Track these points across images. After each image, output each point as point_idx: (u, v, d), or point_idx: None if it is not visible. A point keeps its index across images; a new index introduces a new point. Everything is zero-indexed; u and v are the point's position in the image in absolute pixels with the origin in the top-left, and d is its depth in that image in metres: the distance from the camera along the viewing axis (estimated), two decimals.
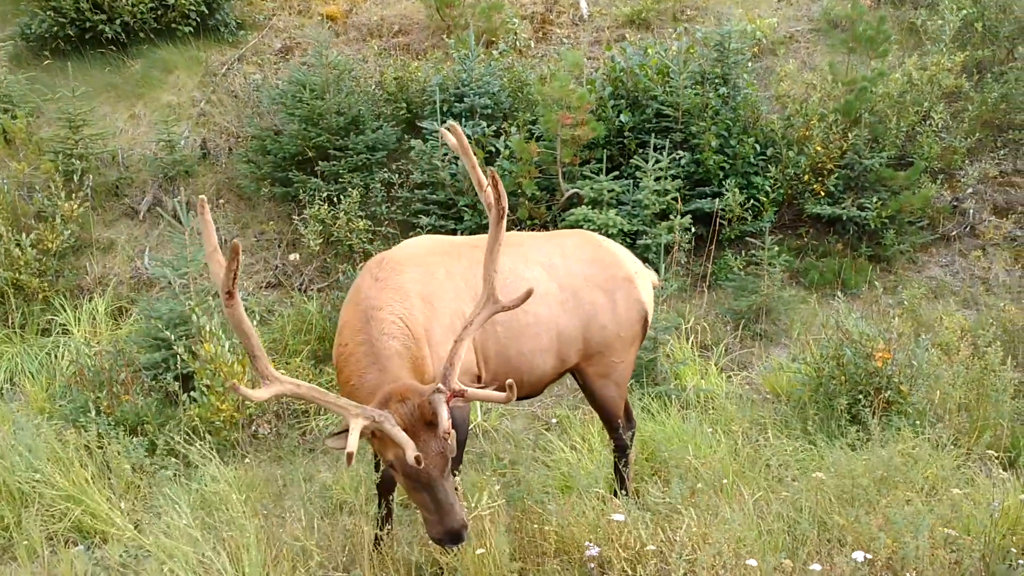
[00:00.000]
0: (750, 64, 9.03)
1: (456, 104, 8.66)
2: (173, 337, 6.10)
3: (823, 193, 8.31)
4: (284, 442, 6.25)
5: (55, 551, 4.82)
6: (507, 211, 3.88)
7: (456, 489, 4.30)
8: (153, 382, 6.46)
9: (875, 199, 8.08)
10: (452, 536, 3.69)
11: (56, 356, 7.42)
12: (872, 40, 8.61)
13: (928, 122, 8.65)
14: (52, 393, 6.88)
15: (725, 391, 6.65)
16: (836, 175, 8.29)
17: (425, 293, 4.26)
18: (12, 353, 7.48)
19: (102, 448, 5.55)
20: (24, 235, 7.93)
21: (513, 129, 8.47)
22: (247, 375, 6.06)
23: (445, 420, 3.60)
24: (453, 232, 8.10)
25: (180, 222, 6.90)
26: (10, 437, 5.73)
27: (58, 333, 7.75)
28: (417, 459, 3.49)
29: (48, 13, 9.89)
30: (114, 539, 4.98)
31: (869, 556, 3.91)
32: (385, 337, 4.04)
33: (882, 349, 5.75)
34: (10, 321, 7.77)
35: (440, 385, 3.67)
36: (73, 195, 8.48)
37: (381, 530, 4.52)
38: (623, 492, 4.88)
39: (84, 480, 5.25)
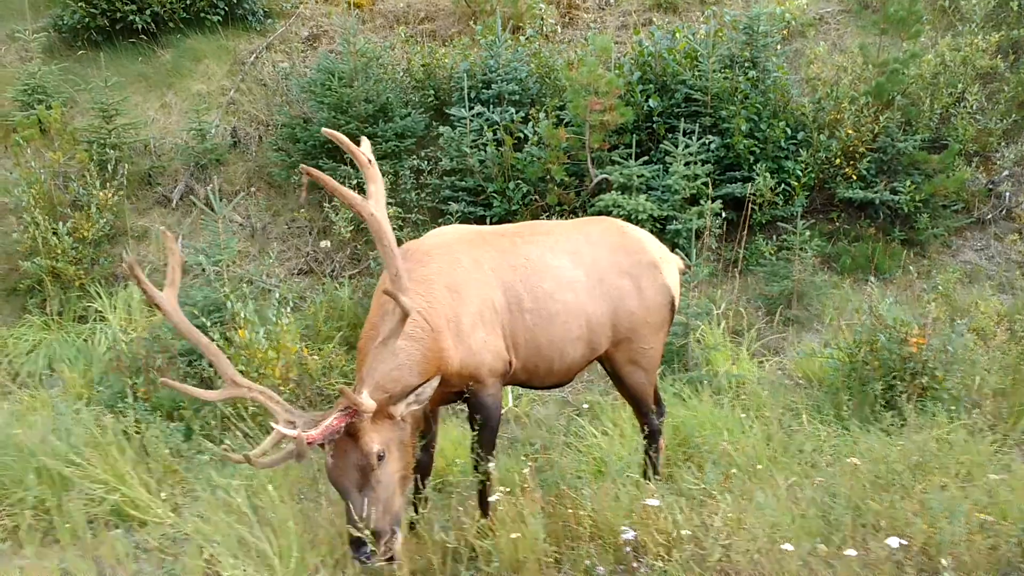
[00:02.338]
0: (779, 47, 8.94)
1: (484, 90, 8.65)
2: (208, 323, 6.17)
3: (855, 177, 8.23)
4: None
5: (96, 534, 4.91)
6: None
7: (487, 480, 4.36)
8: (188, 368, 6.54)
9: (908, 182, 7.99)
10: (352, 546, 3.75)
11: (93, 343, 7.54)
12: (904, 21, 8.49)
13: (962, 104, 8.53)
14: (90, 379, 6.99)
15: (757, 376, 6.63)
16: (868, 158, 8.20)
17: (451, 283, 4.29)
18: (50, 340, 7.61)
19: (140, 433, 5.64)
20: (60, 224, 8.06)
21: (541, 115, 8.45)
22: (281, 360, 6.12)
23: (322, 427, 3.65)
24: (482, 219, 8.12)
25: (212, 210, 6.97)
26: (50, 422, 5.85)
27: (94, 320, 7.86)
28: (297, 455, 3.60)
29: (80, 4, 10.02)
30: (153, 523, 5.06)
31: (904, 542, 3.89)
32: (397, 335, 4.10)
33: (917, 334, 5.70)
34: (48, 308, 7.91)
35: (349, 392, 3.71)
36: (107, 184, 8.59)
37: (416, 514, 4.56)
38: (655, 477, 4.89)
39: (123, 465, 5.34)
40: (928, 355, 5.66)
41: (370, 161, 3.98)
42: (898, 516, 4.13)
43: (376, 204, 3.93)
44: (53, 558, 4.64)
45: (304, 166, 3.69)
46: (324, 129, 3.81)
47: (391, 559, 3.82)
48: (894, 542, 3.82)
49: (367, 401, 3.74)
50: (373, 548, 3.74)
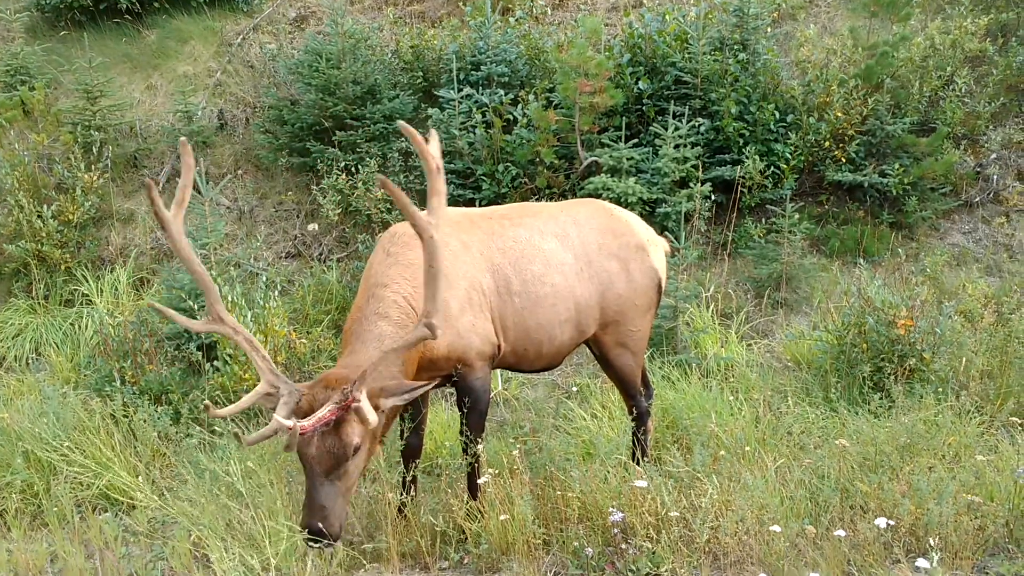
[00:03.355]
0: (769, 30, 8.90)
1: (473, 72, 8.59)
2: (195, 307, 6.14)
3: (844, 160, 8.23)
4: None
5: (84, 518, 4.91)
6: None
7: (476, 463, 4.35)
8: (176, 352, 6.52)
9: (897, 165, 7.99)
10: (308, 529, 3.74)
11: (80, 327, 7.50)
12: (894, 4, 8.47)
13: (951, 87, 8.52)
14: (77, 363, 6.96)
15: (746, 359, 6.65)
16: (857, 141, 8.20)
17: None
18: (36, 324, 7.56)
19: (128, 417, 5.62)
20: (45, 207, 7.97)
21: (531, 97, 8.40)
22: (269, 344, 6.10)
23: (314, 418, 3.65)
24: (471, 201, 8.08)
25: (199, 193, 6.92)
26: (38, 406, 5.82)
27: (81, 304, 7.81)
28: (287, 446, 3.62)
29: None
30: (141, 506, 5.05)
31: (892, 522, 3.92)
32: (376, 317, 4.10)
33: (905, 316, 5.72)
34: (34, 292, 7.84)
35: (347, 388, 3.71)
36: (92, 166, 8.50)
37: (405, 497, 4.57)
38: (644, 460, 4.90)
39: (111, 448, 5.32)
40: (916, 337, 5.69)
41: (438, 168, 3.78)
42: (886, 497, 4.16)
43: (436, 223, 3.76)
44: (42, 542, 4.64)
45: (380, 177, 3.56)
46: (400, 123, 3.62)
47: (330, 544, 3.79)
48: (882, 523, 3.85)
49: (374, 417, 3.73)
50: (323, 537, 3.72)
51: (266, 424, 3.85)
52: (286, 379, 3.88)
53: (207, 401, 3.74)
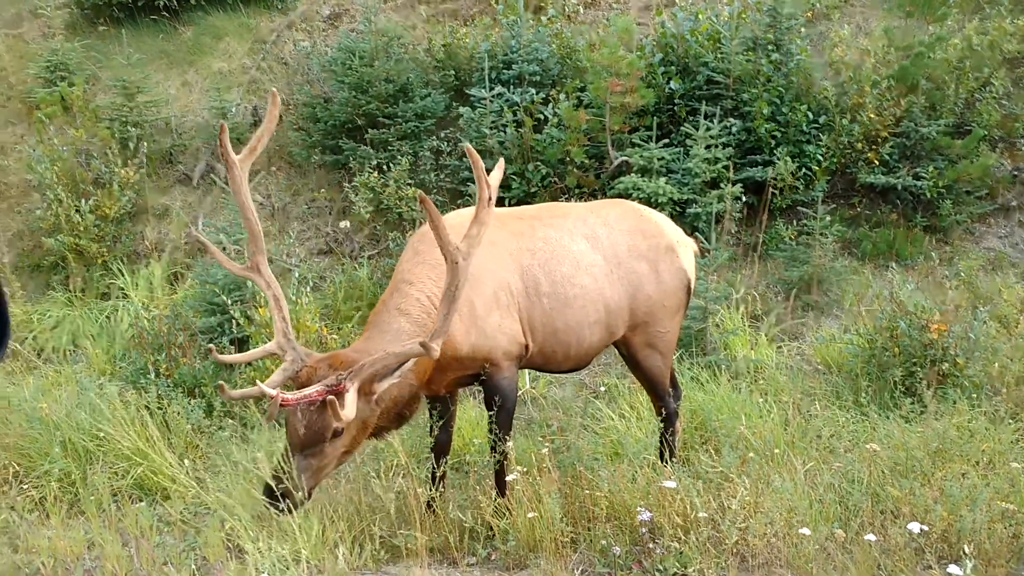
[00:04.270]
0: (803, 30, 8.84)
1: (504, 71, 8.62)
2: (229, 301, 6.22)
3: (877, 162, 8.15)
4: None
5: (120, 506, 4.99)
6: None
7: (504, 460, 4.37)
8: (209, 345, 6.60)
9: (931, 168, 7.90)
10: (267, 495, 3.87)
11: (116, 320, 7.63)
12: (930, 4, 8.38)
13: (988, 88, 8.40)
14: (113, 355, 7.08)
15: (775, 362, 6.61)
16: (891, 143, 8.12)
17: None
18: (74, 316, 7.70)
19: (162, 409, 5.71)
20: (83, 201, 8.12)
21: (562, 96, 8.41)
22: (300, 339, 6.16)
23: (299, 394, 3.71)
24: (501, 200, 8.11)
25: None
26: (75, 397, 5.94)
27: (117, 297, 7.95)
28: (268, 415, 3.78)
29: None
30: (175, 496, 5.14)
31: (925, 528, 3.89)
32: (397, 312, 4.15)
33: (938, 321, 5.67)
34: (71, 285, 7.99)
35: (343, 374, 3.75)
36: (129, 162, 8.64)
37: (433, 492, 4.60)
38: (672, 460, 4.90)
39: (145, 439, 5.41)
40: (949, 342, 5.63)
41: (490, 200, 3.81)
42: (918, 503, 4.13)
43: (467, 252, 3.82)
44: (79, 529, 4.73)
45: (421, 194, 3.64)
46: (465, 145, 3.69)
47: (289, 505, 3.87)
48: (915, 528, 3.82)
49: (348, 413, 3.75)
50: (281, 498, 3.82)
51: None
52: (296, 345, 3.95)
53: (221, 383, 3.81)
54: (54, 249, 8.11)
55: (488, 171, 3.97)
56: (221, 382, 3.84)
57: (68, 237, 7.99)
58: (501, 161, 4.02)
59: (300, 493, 3.81)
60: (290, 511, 3.84)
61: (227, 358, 4.03)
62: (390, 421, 4.21)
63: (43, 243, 8.25)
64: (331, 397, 3.63)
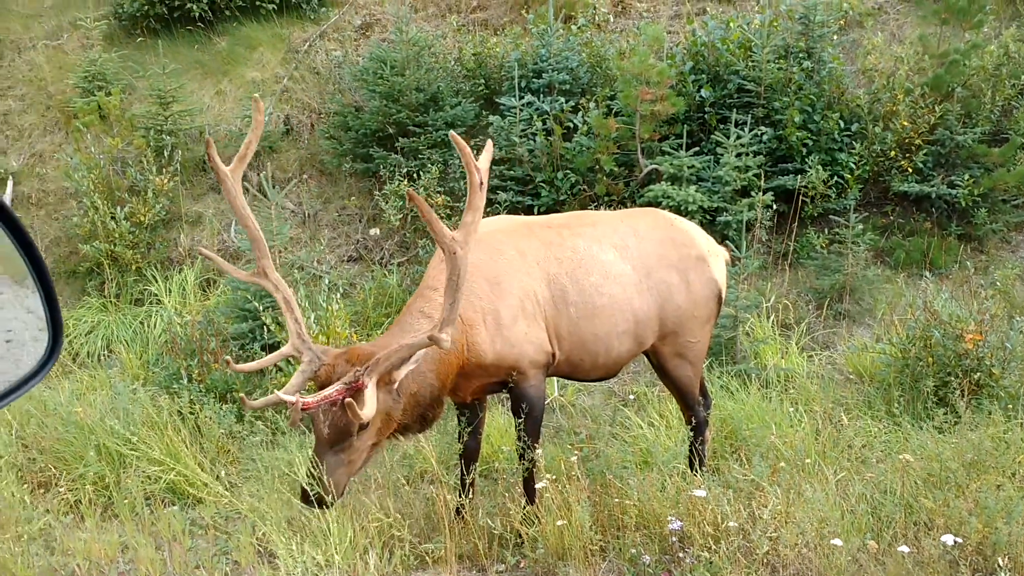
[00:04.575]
0: (836, 37, 8.78)
1: (534, 80, 8.64)
2: (260, 307, 6.28)
3: (911, 170, 8.07)
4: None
5: (153, 510, 5.06)
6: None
7: (533, 468, 4.37)
8: (240, 351, 6.67)
9: (967, 176, 7.81)
10: (302, 498, 3.95)
11: (149, 325, 7.73)
12: (966, 10, 8.27)
13: None
14: (146, 360, 7.17)
15: (806, 371, 6.56)
16: (925, 151, 8.03)
17: (492, 275, 4.31)
18: (108, 321, 7.82)
19: (194, 414, 5.78)
20: (118, 208, 8.25)
21: (591, 104, 8.42)
22: (330, 344, 6.21)
23: (319, 396, 3.75)
24: (530, 208, 8.13)
25: (266, 196, 7.09)
26: (109, 401, 6.03)
27: (150, 303, 8.06)
28: (291, 421, 3.76)
29: None
30: (207, 500, 5.19)
31: (959, 540, 3.84)
32: (420, 314, 4.18)
33: (973, 330, 5.59)
34: (106, 291, 8.12)
35: (360, 370, 3.78)
36: (164, 170, 8.76)
37: (463, 499, 4.61)
38: (701, 469, 4.87)
39: (178, 444, 5.48)
40: (984, 352, 5.56)
41: (481, 184, 3.83)
42: (952, 515, 4.08)
43: (464, 240, 3.83)
44: (113, 532, 4.79)
45: (410, 191, 3.69)
46: (451, 134, 3.72)
47: (323, 505, 3.92)
48: (949, 539, 3.77)
49: (367, 413, 3.76)
50: (316, 501, 3.87)
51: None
52: (311, 345, 3.99)
53: (243, 395, 3.88)
54: (90, 255, 8.25)
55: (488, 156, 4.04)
56: (242, 395, 3.90)
57: (104, 243, 8.12)
58: (489, 143, 4.05)
59: (331, 495, 3.84)
60: (323, 508, 3.89)
61: (243, 367, 4.06)
62: (413, 420, 4.22)
63: (79, 249, 8.40)
64: (348, 400, 3.65)
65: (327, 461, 3.85)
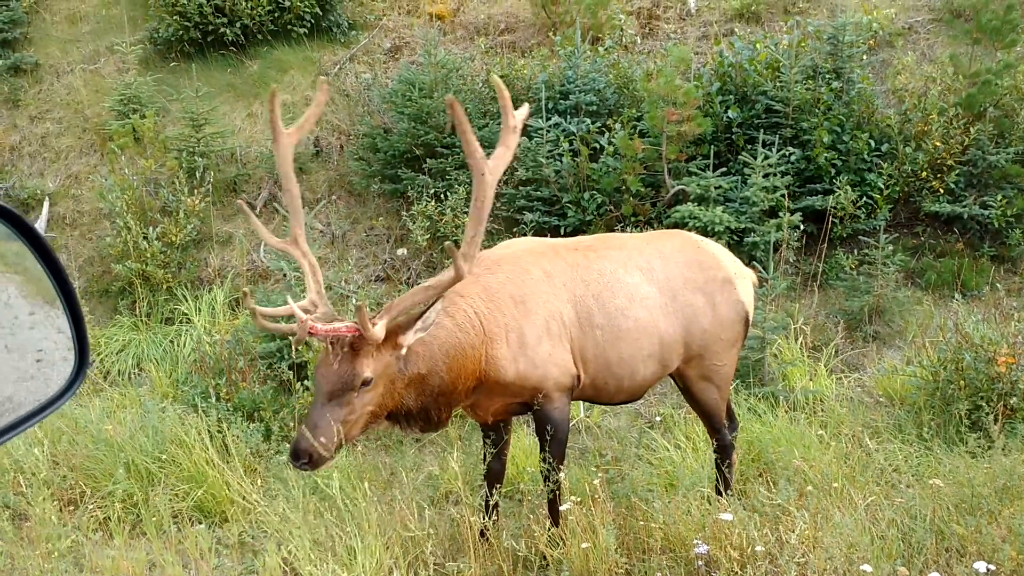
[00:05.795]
0: (865, 57, 8.74)
1: (561, 101, 8.68)
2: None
3: (942, 190, 7.99)
4: (393, 432, 6.41)
5: (180, 528, 5.10)
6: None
7: (558, 490, 4.35)
8: (268, 371, 6.72)
9: (1000, 197, 7.71)
10: (292, 453, 3.84)
11: (179, 344, 7.82)
12: (998, 30, 8.22)
13: None
14: (175, 379, 7.25)
15: (835, 393, 6.48)
16: (957, 172, 7.95)
17: (518, 294, 4.30)
18: (139, 340, 7.92)
19: (222, 432, 5.82)
20: (151, 228, 8.38)
21: (618, 126, 8.44)
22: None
23: (330, 326, 3.78)
24: (556, 228, 8.14)
25: None
26: (138, 419, 6.10)
27: (180, 322, 8.15)
28: (296, 338, 3.77)
29: (174, 18, 10.45)
30: (234, 519, 5.22)
31: (992, 567, 3.76)
32: (443, 314, 4.10)
33: (1006, 353, 5.50)
34: (137, 310, 8.23)
35: (373, 314, 3.82)
36: (195, 191, 8.89)
37: (487, 520, 4.60)
38: (727, 492, 4.82)
39: (206, 462, 5.52)
40: (1018, 375, 5.46)
41: (515, 128, 3.93)
42: (985, 541, 4.00)
43: (493, 168, 3.89)
44: (141, 549, 4.83)
45: (449, 97, 3.69)
46: (492, 76, 3.84)
47: (313, 467, 3.87)
48: (981, 567, 3.70)
49: (377, 332, 3.78)
50: (307, 456, 3.80)
51: None
52: (328, 303, 4.03)
53: (245, 290, 3.92)
54: (122, 275, 8.37)
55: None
56: (245, 289, 3.90)
57: (135, 263, 8.24)
58: (526, 105, 4.10)
59: (324, 451, 3.79)
60: (313, 467, 3.84)
61: (258, 309, 3.96)
62: (417, 409, 4.16)
63: (112, 269, 8.52)
64: (360, 304, 3.72)
65: (321, 411, 3.82)
